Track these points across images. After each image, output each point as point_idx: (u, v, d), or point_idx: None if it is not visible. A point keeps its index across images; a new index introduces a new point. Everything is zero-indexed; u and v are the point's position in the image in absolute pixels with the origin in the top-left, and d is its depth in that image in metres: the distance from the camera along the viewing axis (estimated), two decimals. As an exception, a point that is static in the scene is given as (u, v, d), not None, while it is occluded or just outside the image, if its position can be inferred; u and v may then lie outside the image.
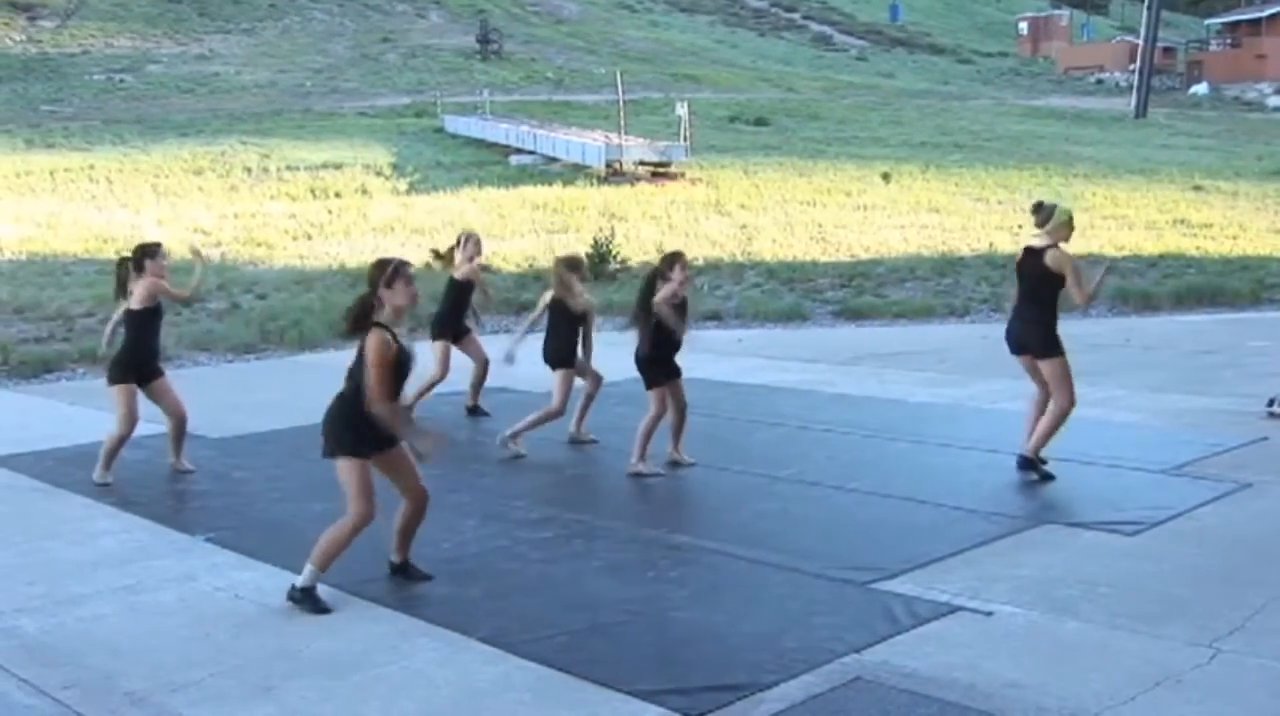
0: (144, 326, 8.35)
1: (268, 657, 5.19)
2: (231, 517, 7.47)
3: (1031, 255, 7.81)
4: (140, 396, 8.42)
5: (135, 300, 8.26)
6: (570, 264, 9.18)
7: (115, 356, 8.50)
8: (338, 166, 31.29)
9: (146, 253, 8.34)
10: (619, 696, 4.68)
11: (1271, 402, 9.37)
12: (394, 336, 5.63)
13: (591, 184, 28.99)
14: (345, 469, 5.79)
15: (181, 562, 6.56)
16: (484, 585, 6.06)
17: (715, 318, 16.14)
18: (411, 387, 6.68)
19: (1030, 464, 7.82)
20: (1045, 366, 7.76)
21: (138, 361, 8.39)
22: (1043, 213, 7.85)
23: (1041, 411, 7.83)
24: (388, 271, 5.72)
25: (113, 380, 8.37)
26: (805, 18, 76.96)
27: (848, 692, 4.66)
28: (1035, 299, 7.80)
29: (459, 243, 10.66)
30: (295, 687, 4.86)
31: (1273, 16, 61.25)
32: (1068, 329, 14.68)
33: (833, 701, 4.59)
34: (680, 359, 8.52)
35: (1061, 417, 7.72)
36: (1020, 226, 23.83)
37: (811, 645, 5.12)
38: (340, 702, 4.71)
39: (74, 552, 6.79)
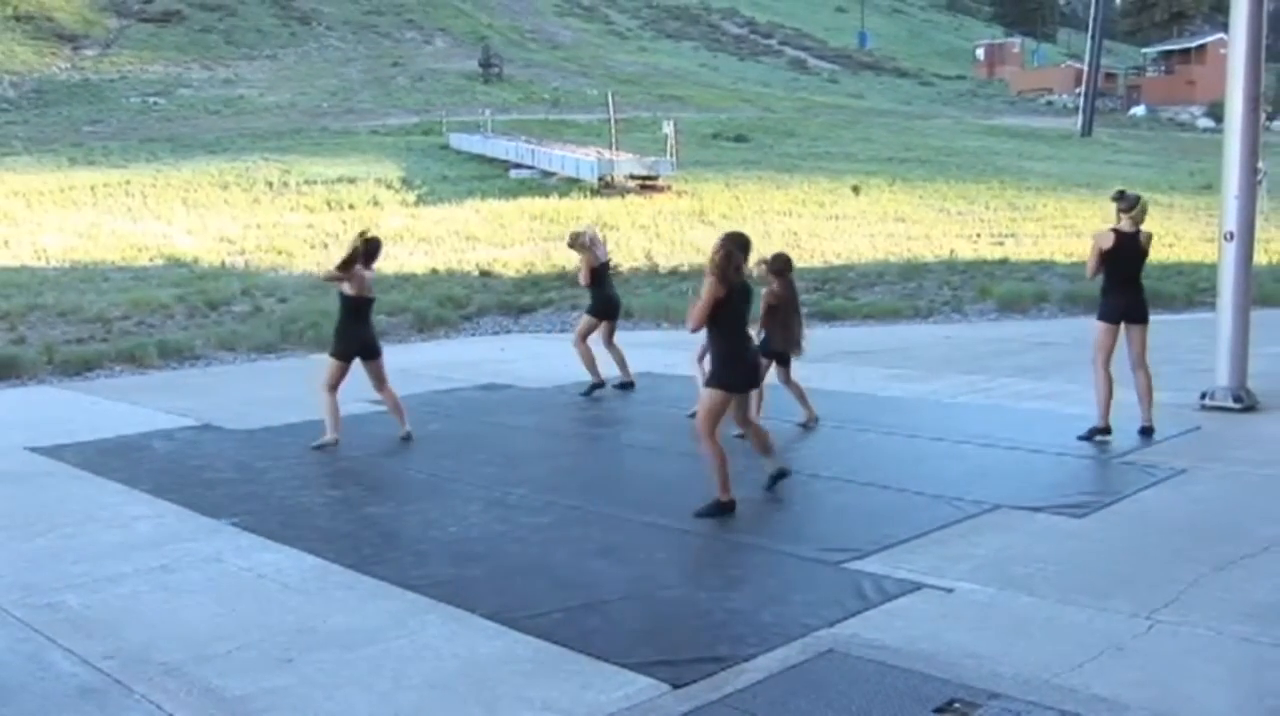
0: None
1: (288, 632, 5.17)
2: (254, 503, 7.44)
3: (1129, 238, 8.26)
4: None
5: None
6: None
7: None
8: (352, 180, 31.25)
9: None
10: (611, 667, 4.67)
11: (1204, 396, 9.40)
12: None
13: (585, 196, 29.00)
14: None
15: (209, 544, 6.53)
16: (487, 565, 6.04)
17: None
18: None
19: (1150, 432, 8.41)
20: (1144, 330, 8.35)
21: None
22: (1127, 200, 8.29)
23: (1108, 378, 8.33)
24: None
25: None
26: (781, 43, 77.03)
27: (821, 663, 4.66)
28: (1137, 275, 8.34)
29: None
30: (313, 659, 4.85)
31: (1200, 47, 62.28)
32: (1022, 328, 14.77)
33: (808, 671, 4.58)
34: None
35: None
36: (979, 234, 23.91)
37: (788, 620, 5.11)
38: (355, 673, 4.70)
39: (112, 535, 6.77)
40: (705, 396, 6.83)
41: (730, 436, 7.36)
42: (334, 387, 9.01)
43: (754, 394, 7.99)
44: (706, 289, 6.65)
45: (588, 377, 11.03)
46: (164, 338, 14.80)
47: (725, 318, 6.71)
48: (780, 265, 8.58)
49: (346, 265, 8.83)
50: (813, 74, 69.86)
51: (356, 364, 9.09)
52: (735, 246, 6.76)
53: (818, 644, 4.84)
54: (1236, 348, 9.34)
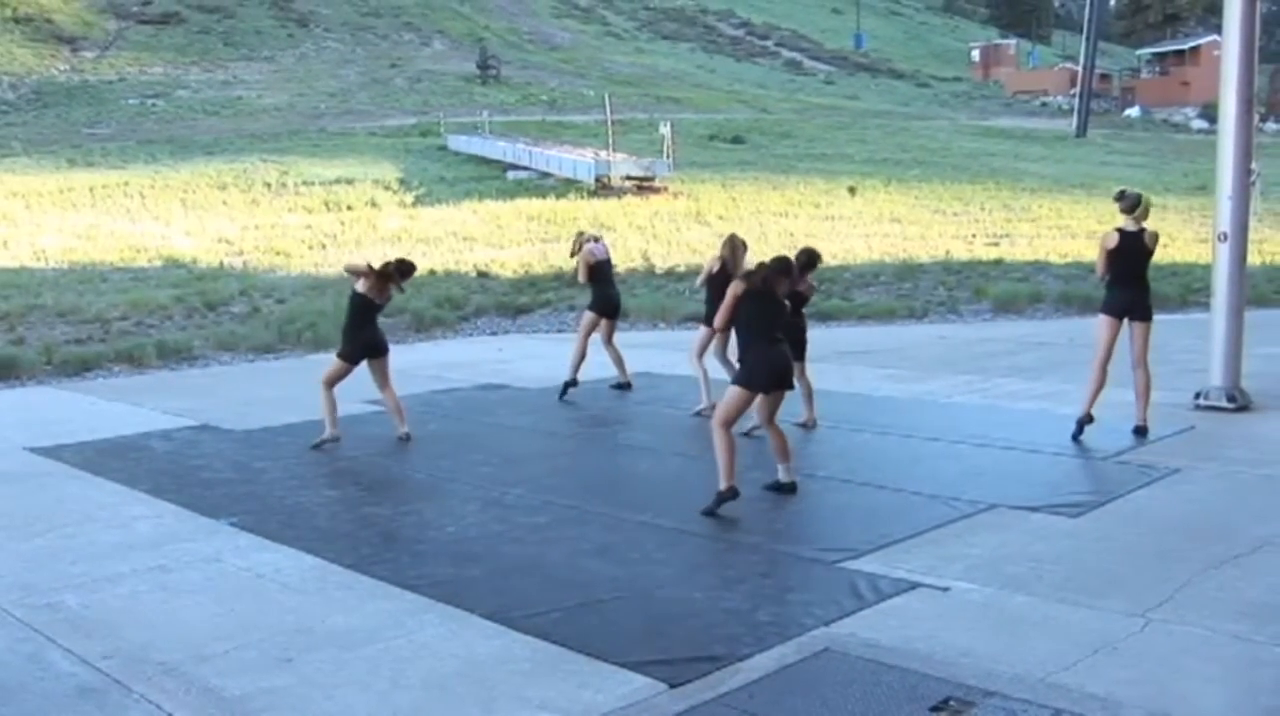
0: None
1: (287, 631, 5.17)
2: (253, 503, 7.45)
3: (1131, 237, 8.36)
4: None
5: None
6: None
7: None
8: (350, 182, 31.21)
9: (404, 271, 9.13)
10: (609, 667, 4.67)
11: (1198, 396, 9.42)
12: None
13: (582, 197, 28.96)
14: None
15: (208, 544, 6.54)
16: (485, 565, 6.04)
17: (697, 319, 16.13)
18: None
19: (1144, 431, 8.45)
20: (1146, 328, 8.46)
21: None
22: (1128, 200, 8.41)
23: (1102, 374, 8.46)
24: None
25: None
26: (778, 44, 76.97)
27: (817, 662, 4.66)
28: (1141, 273, 8.42)
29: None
30: (312, 659, 4.85)
31: (1194, 48, 62.28)
32: (1017, 329, 14.77)
33: (804, 671, 4.59)
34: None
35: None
36: (974, 235, 23.91)
37: (784, 619, 5.11)
38: (353, 673, 4.70)
39: (111, 535, 6.77)
40: (727, 393, 6.96)
41: (737, 434, 7.42)
42: (332, 384, 9.03)
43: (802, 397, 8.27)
44: (730, 288, 6.95)
45: (586, 377, 11.03)
46: (162, 338, 14.79)
47: (747, 319, 6.85)
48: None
49: (377, 272, 8.92)
50: (809, 75, 69.82)
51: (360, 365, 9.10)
52: (773, 269, 6.89)
53: (814, 643, 4.84)
54: (1230, 348, 9.36)
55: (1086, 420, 8.41)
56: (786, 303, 7.16)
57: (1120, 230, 8.38)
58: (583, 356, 10.89)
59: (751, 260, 9.13)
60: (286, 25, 62.70)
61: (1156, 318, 8.71)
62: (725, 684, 4.49)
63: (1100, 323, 8.56)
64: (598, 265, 10.97)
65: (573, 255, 11.21)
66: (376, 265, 9.04)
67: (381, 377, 9.18)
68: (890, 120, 50.21)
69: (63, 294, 18.16)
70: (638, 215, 26.00)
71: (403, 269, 9.04)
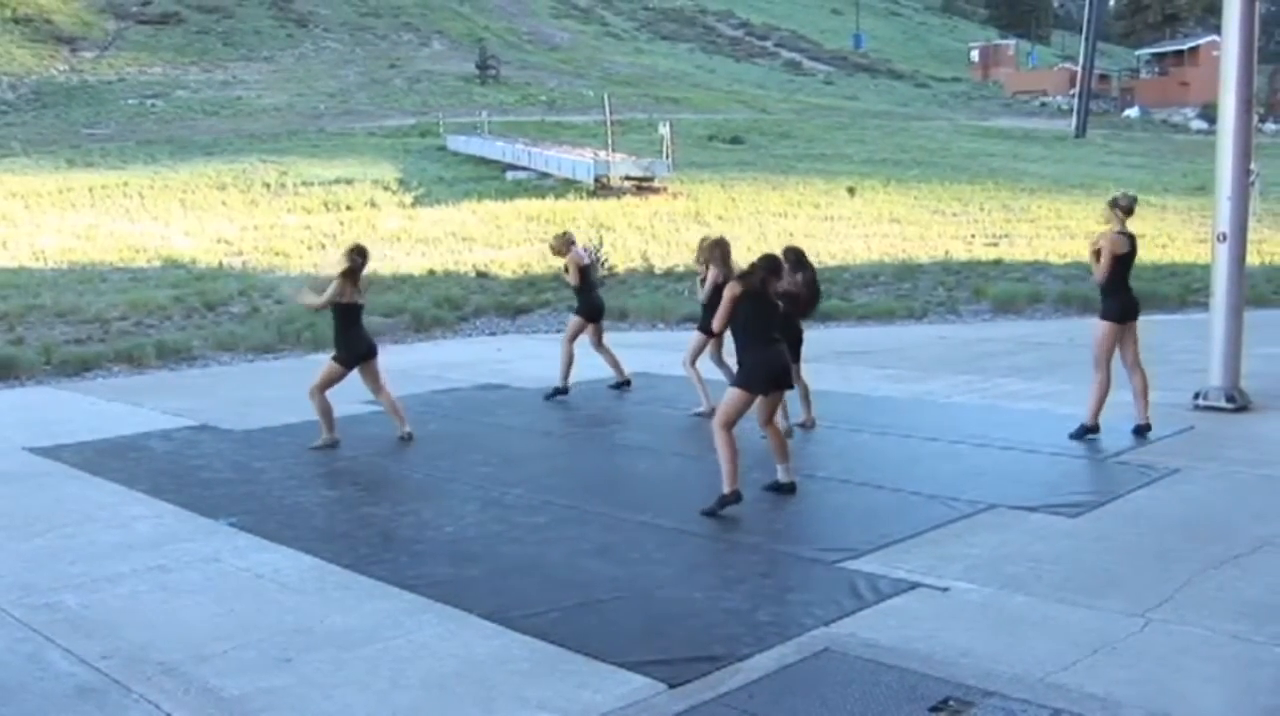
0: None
1: (286, 631, 5.17)
2: (252, 504, 7.44)
3: (1133, 241, 8.44)
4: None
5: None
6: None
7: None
8: (349, 182, 31.20)
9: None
10: (608, 667, 4.67)
11: (1197, 396, 9.42)
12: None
13: (581, 197, 28.95)
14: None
15: (207, 544, 6.53)
16: (484, 565, 6.04)
17: (695, 319, 16.10)
18: None
19: (1145, 431, 8.49)
20: (1136, 328, 8.50)
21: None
22: (1131, 202, 8.44)
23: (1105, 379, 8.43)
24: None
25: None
26: (777, 45, 76.96)
27: (817, 662, 4.66)
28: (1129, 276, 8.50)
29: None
30: (311, 659, 4.85)
31: (1194, 49, 62.31)
32: (1017, 329, 14.77)
33: (803, 671, 4.59)
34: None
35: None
36: (973, 235, 23.92)
37: (784, 619, 5.11)
38: (353, 673, 4.70)
39: (111, 535, 6.77)
40: (726, 395, 6.96)
41: (757, 438, 7.44)
42: (324, 389, 9.02)
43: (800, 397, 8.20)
44: (726, 290, 6.92)
45: (583, 377, 11.03)
46: (162, 338, 14.79)
47: (744, 321, 6.84)
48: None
49: (340, 274, 8.89)
50: (808, 75, 69.78)
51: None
52: (765, 267, 6.88)
53: (813, 643, 4.84)
54: (1229, 348, 9.36)
55: (1094, 429, 8.39)
56: (780, 303, 7.14)
57: (1126, 234, 8.36)
58: (570, 361, 10.82)
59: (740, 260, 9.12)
60: (286, 25, 62.69)
61: (1156, 318, 8.73)
62: (725, 684, 4.49)
63: (1104, 329, 8.45)
64: (586, 268, 10.97)
65: (555, 253, 11.24)
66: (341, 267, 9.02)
67: (374, 381, 9.16)
68: (889, 120, 50.19)
69: (62, 294, 18.15)
70: (637, 215, 25.99)
71: (360, 254, 9.03)
